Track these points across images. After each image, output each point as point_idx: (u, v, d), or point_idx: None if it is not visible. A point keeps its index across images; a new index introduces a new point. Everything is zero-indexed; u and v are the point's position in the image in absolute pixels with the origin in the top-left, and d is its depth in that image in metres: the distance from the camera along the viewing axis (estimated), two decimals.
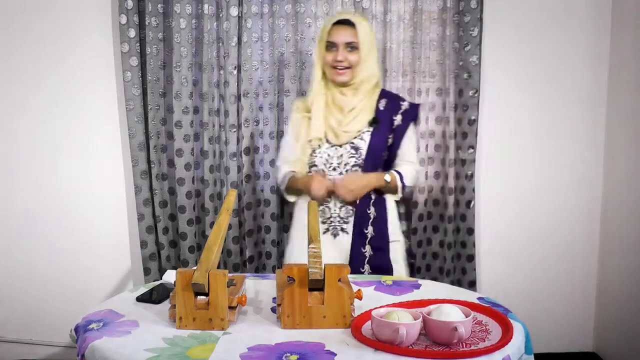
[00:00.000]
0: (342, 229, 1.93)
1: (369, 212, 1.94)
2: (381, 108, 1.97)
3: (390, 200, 2.01)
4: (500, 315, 1.35)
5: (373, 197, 1.96)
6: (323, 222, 1.94)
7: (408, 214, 2.54)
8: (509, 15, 2.51)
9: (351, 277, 1.63)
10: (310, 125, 1.95)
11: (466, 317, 1.22)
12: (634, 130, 2.40)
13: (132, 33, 2.36)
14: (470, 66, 2.43)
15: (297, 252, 2.00)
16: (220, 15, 2.39)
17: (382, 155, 1.97)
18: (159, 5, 2.38)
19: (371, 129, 1.94)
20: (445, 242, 2.54)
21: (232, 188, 2.42)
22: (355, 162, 1.93)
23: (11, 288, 2.63)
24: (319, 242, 1.42)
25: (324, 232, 1.93)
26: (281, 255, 2.51)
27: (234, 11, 2.38)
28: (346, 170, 1.93)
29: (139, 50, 2.39)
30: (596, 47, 2.54)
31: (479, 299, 1.51)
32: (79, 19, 2.48)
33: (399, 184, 1.97)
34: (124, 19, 2.35)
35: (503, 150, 2.60)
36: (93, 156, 2.57)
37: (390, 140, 1.97)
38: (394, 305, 1.37)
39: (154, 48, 2.39)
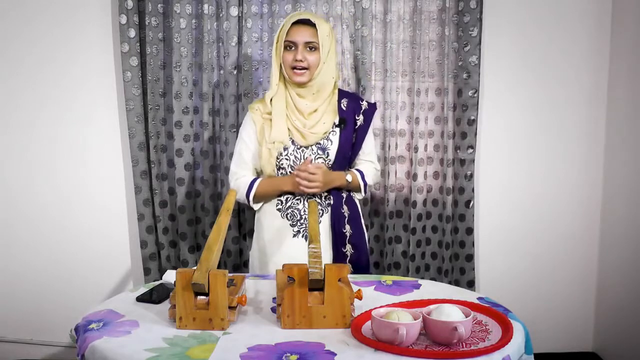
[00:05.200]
0: None
1: (342, 210, 1.95)
2: (344, 108, 1.96)
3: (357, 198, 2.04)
4: (500, 315, 1.35)
5: (344, 195, 1.97)
6: (292, 225, 1.92)
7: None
8: (509, 16, 2.51)
9: (351, 277, 1.63)
10: (273, 127, 1.89)
11: (466, 317, 1.23)
12: (634, 130, 2.40)
13: (132, 33, 2.36)
14: (470, 66, 2.43)
15: (257, 260, 2.00)
16: (220, 15, 2.39)
17: (348, 155, 1.98)
18: (159, 5, 2.38)
19: (338, 129, 1.94)
20: (443, 242, 2.54)
21: (232, 188, 2.42)
22: (323, 162, 1.92)
23: (11, 288, 2.63)
24: (319, 242, 1.42)
25: (294, 236, 1.91)
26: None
27: (234, 11, 2.38)
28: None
29: (139, 50, 2.39)
30: (596, 47, 2.54)
31: (479, 299, 1.51)
32: (79, 19, 2.48)
33: (361, 182, 1.99)
34: (124, 19, 2.35)
35: (502, 151, 2.60)
36: (93, 156, 2.57)
37: (353, 140, 1.98)
38: (394, 305, 1.37)
39: (154, 48, 2.39)
